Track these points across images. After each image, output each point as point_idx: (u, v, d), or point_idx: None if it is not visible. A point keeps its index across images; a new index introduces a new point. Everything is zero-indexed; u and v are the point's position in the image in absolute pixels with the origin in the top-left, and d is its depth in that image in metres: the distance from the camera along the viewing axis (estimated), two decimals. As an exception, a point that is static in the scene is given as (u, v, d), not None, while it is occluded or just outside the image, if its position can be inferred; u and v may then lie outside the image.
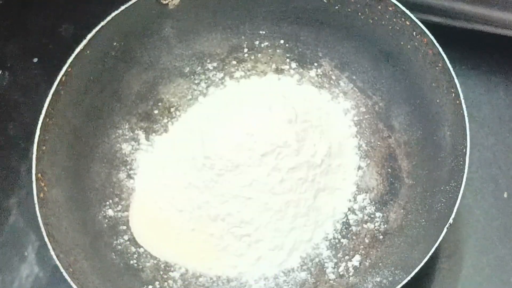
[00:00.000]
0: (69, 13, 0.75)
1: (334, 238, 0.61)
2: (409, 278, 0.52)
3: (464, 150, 0.55)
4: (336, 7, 0.63)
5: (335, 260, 0.60)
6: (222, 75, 0.67)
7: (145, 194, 0.62)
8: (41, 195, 0.55)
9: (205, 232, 0.59)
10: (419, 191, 0.60)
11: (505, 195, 0.64)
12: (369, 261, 0.59)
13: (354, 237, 0.61)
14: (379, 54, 0.63)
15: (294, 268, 0.60)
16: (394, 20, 0.60)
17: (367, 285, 0.57)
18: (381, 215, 0.61)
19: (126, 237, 0.60)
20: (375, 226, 0.61)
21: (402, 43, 0.61)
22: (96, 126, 0.62)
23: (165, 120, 0.66)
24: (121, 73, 0.64)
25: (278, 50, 0.67)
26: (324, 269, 0.59)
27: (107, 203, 0.61)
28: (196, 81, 0.67)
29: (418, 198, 0.59)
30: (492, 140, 0.66)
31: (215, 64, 0.67)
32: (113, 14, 0.60)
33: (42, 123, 0.56)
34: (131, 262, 0.59)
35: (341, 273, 0.59)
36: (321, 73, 0.67)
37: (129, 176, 0.63)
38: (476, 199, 0.64)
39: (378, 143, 0.64)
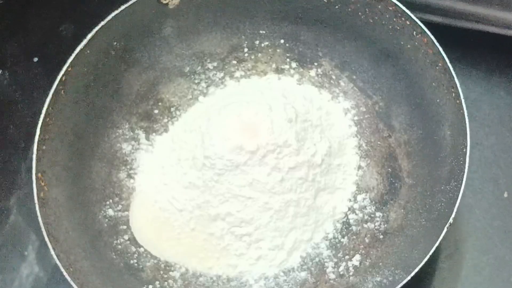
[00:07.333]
0: (69, 13, 0.75)
1: (334, 237, 0.61)
2: (409, 278, 0.52)
3: (464, 150, 0.55)
4: (336, 7, 0.63)
5: (335, 260, 0.60)
6: (222, 74, 0.67)
7: (145, 194, 0.62)
8: (41, 194, 0.55)
9: (205, 232, 0.59)
10: (419, 191, 0.60)
11: (505, 195, 0.64)
12: (369, 260, 0.59)
13: (354, 237, 0.61)
14: (379, 53, 0.63)
15: (294, 267, 0.60)
16: (394, 19, 0.60)
17: (367, 284, 0.57)
18: (381, 214, 0.61)
19: (126, 237, 0.60)
20: (375, 226, 0.61)
21: (402, 42, 0.61)
22: (96, 126, 0.62)
23: (165, 120, 0.66)
24: (121, 73, 0.64)
25: (278, 50, 0.67)
26: (324, 268, 0.59)
27: (107, 202, 0.61)
28: (196, 81, 0.67)
29: (418, 198, 0.59)
30: (492, 139, 0.66)
31: (215, 64, 0.67)
32: (113, 14, 0.60)
33: (42, 123, 0.56)
34: (131, 261, 0.59)
35: (341, 272, 0.59)
36: (321, 72, 0.67)
37: (129, 176, 0.63)
38: (476, 198, 0.64)
39: (378, 142, 0.64)
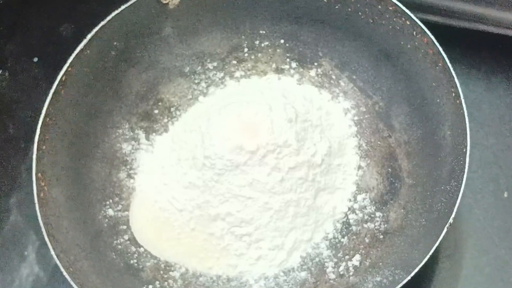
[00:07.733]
0: (69, 13, 0.75)
1: (334, 237, 0.61)
2: (409, 278, 0.52)
3: (464, 150, 0.55)
4: (336, 7, 0.63)
5: (335, 260, 0.60)
6: (222, 74, 0.67)
7: (145, 194, 0.62)
8: (41, 194, 0.55)
9: (205, 232, 0.59)
10: (419, 191, 0.60)
11: (505, 195, 0.64)
12: (369, 260, 0.59)
13: (354, 237, 0.61)
14: (379, 53, 0.63)
15: (294, 267, 0.60)
16: (395, 19, 0.60)
17: (367, 284, 0.57)
18: (381, 214, 0.61)
19: (126, 237, 0.60)
20: (375, 226, 0.61)
21: (402, 42, 0.61)
22: (96, 126, 0.62)
23: (165, 120, 0.66)
24: (121, 73, 0.64)
25: (278, 50, 0.67)
26: (324, 268, 0.59)
27: (107, 202, 0.61)
28: (196, 81, 0.67)
29: (418, 198, 0.59)
30: (492, 140, 0.66)
31: (215, 64, 0.67)
32: (113, 14, 0.60)
33: (42, 122, 0.56)
34: (131, 261, 0.59)
35: (341, 272, 0.59)
36: (321, 72, 0.67)
37: (129, 176, 0.63)
38: (476, 198, 0.64)
39: (378, 142, 0.64)
